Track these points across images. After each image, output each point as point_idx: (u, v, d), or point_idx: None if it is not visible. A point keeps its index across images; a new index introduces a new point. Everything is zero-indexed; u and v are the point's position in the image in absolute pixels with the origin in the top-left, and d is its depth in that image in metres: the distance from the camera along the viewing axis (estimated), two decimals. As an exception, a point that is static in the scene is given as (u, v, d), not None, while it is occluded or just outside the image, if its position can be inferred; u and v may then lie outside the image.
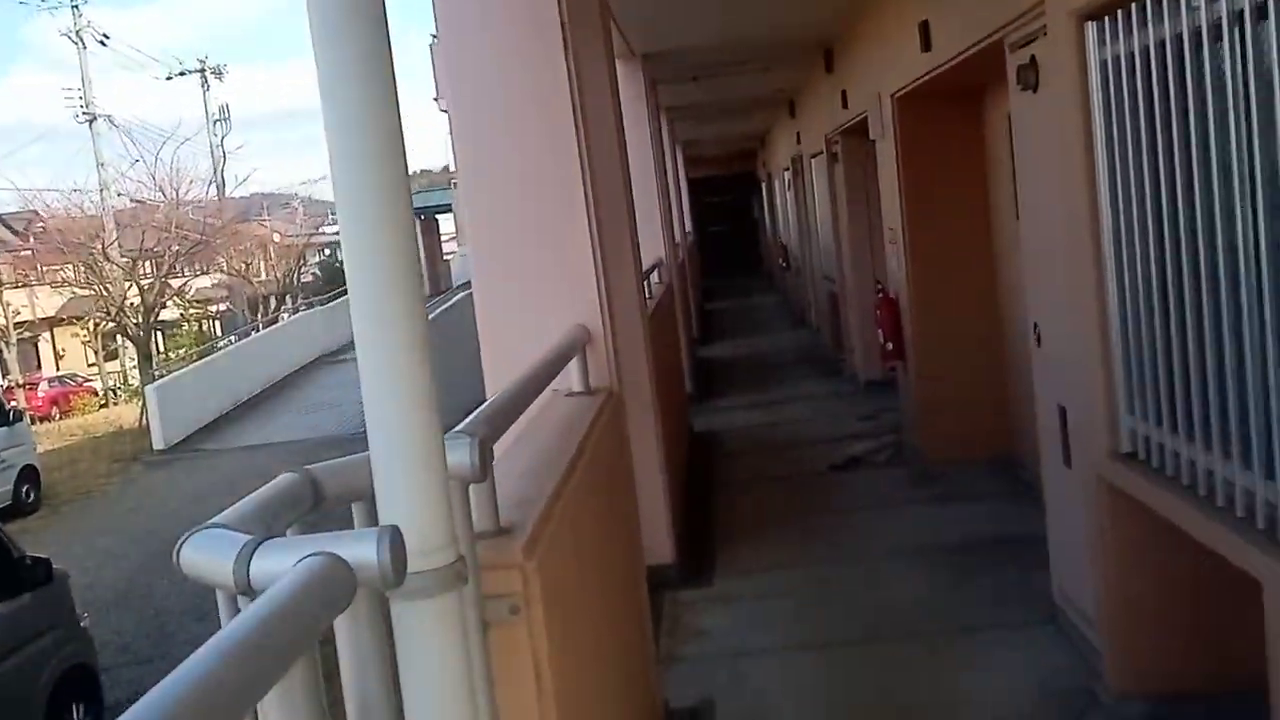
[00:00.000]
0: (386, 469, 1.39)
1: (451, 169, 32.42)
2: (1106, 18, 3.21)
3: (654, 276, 7.97)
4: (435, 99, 11.13)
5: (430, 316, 1.60)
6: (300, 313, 34.08)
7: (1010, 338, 6.54)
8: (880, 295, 7.27)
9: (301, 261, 39.42)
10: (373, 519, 1.45)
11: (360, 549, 1.25)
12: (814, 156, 11.57)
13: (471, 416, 2.05)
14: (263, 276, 37.24)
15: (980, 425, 6.78)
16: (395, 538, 1.28)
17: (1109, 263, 3.31)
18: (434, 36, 8.88)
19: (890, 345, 7.09)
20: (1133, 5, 3.02)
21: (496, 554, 1.86)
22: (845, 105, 8.57)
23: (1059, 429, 4.01)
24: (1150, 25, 2.92)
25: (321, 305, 33.20)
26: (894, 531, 5.84)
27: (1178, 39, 2.79)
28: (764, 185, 22.60)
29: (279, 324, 31.97)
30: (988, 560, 5.17)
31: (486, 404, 2.30)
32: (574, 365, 3.53)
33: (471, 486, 1.86)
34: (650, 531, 5.34)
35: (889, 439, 7.74)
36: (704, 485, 7.24)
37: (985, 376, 6.77)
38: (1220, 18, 2.55)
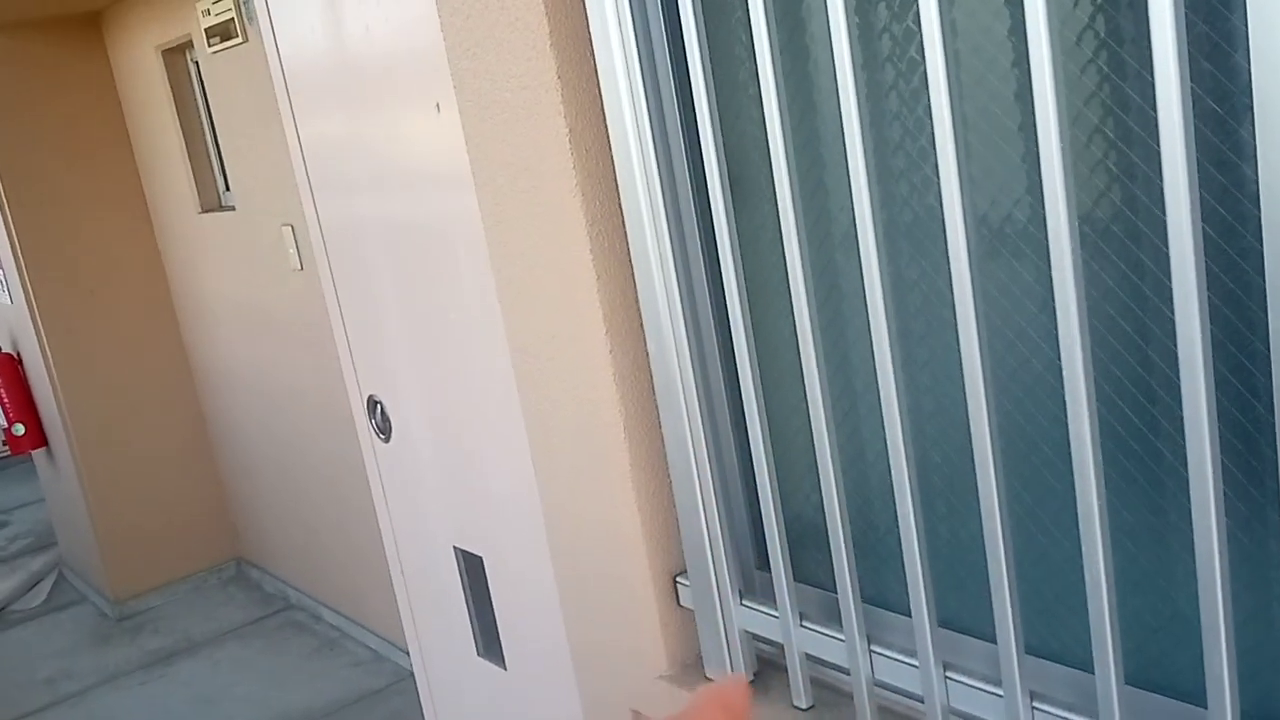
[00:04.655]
0: None
1: None
2: None
3: None
4: None
5: None
6: None
7: (212, 395, 4.41)
8: (-12, 353, 4.55)
9: None
10: None
11: None
12: None
13: None
14: None
15: (194, 523, 4.58)
16: None
17: (658, 267, 1.50)
18: None
19: (22, 428, 4.45)
20: None
21: None
22: None
23: (465, 594, 2.14)
24: None
25: None
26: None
27: None
28: None
29: None
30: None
31: None
32: None
33: None
34: None
35: (41, 564, 5.06)
36: None
37: (189, 452, 4.57)
38: None
